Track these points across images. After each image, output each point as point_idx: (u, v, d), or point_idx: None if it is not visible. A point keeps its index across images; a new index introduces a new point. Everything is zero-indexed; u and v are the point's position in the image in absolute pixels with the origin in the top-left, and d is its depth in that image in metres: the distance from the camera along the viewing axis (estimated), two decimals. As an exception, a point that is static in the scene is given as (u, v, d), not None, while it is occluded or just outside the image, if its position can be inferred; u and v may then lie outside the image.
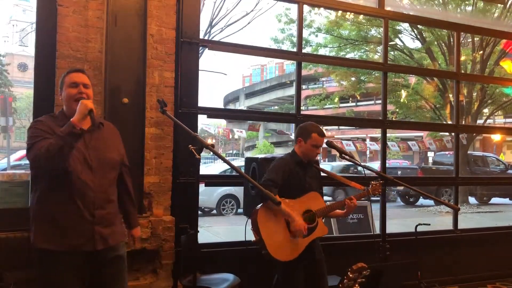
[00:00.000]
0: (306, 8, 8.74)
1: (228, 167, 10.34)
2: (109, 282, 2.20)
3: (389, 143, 13.68)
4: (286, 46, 13.91)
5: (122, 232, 2.32)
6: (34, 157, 2.03)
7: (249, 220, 2.88)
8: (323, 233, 2.97)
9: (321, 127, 3.02)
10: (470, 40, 13.16)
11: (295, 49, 4.96)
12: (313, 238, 2.90)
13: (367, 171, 3.30)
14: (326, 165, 14.92)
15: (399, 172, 15.72)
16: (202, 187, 3.98)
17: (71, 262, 2.08)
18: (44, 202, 2.11)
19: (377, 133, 15.93)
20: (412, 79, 15.38)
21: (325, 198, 3.20)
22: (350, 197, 2.98)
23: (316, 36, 13.94)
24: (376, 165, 14.12)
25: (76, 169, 2.08)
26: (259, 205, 2.80)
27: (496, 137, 20.16)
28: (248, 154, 30.92)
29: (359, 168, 3.31)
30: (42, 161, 2.00)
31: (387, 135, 4.89)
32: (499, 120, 25.72)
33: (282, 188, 2.82)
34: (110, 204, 2.21)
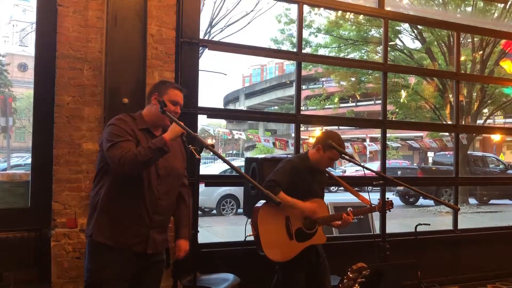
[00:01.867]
0: (306, 8, 8.75)
1: (228, 167, 10.33)
2: (147, 282, 2.29)
3: (388, 142, 13.66)
4: (286, 47, 13.91)
5: (168, 239, 2.39)
6: (118, 158, 2.04)
7: (250, 219, 2.88)
8: (321, 241, 2.95)
9: (343, 140, 2.98)
10: (470, 40, 13.15)
11: (295, 50, 4.96)
12: (309, 245, 2.87)
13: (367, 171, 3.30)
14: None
15: (399, 172, 15.73)
16: (202, 187, 3.98)
17: (122, 260, 2.15)
18: (110, 198, 2.17)
19: (377, 133, 15.93)
20: (412, 79, 15.38)
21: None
22: (348, 213, 2.95)
23: (316, 36, 13.96)
24: (376, 165, 14.14)
25: (147, 175, 2.17)
26: (263, 202, 2.80)
27: (496, 137, 20.15)
28: (248, 154, 30.92)
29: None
30: (125, 165, 2.04)
31: (387, 135, 4.89)
32: (499, 120, 25.72)
33: (288, 192, 2.79)
34: (168, 212, 2.31)
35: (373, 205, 3.08)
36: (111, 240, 2.14)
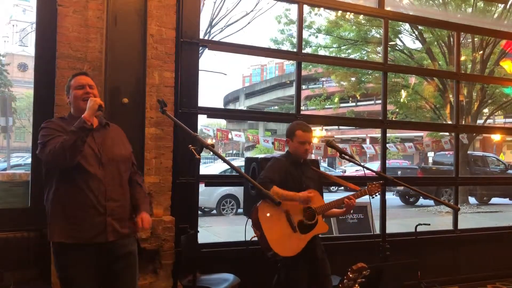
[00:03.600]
0: (306, 9, 8.75)
1: (228, 167, 10.33)
2: (120, 275, 2.29)
3: (388, 145, 13.63)
4: (286, 47, 13.90)
5: (133, 227, 2.39)
6: (48, 153, 2.13)
7: (249, 220, 2.88)
8: (323, 229, 2.98)
9: (306, 124, 3.06)
10: (470, 40, 13.15)
11: (295, 50, 4.96)
12: (314, 235, 2.91)
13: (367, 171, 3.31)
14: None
15: (399, 172, 15.72)
16: (202, 187, 3.98)
17: (85, 255, 2.18)
18: (58, 197, 2.21)
19: (377, 133, 15.92)
20: (413, 80, 15.36)
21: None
22: (349, 196, 2.99)
23: (316, 37, 13.94)
24: (376, 165, 14.13)
25: (88, 164, 2.19)
26: (259, 202, 2.81)
27: (496, 137, 20.15)
28: (248, 154, 30.89)
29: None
30: (56, 157, 2.10)
31: (387, 135, 4.89)
32: (499, 120, 25.70)
33: (281, 187, 2.82)
34: (122, 198, 2.32)
35: (362, 189, 3.10)
36: (71, 238, 2.16)
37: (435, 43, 12.98)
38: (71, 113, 2.37)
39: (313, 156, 5.65)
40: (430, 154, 23.80)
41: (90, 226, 2.18)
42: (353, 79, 15.19)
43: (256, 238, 2.83)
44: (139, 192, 2.47)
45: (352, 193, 3.12)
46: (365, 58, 14.14)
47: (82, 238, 2.16)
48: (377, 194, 3.15)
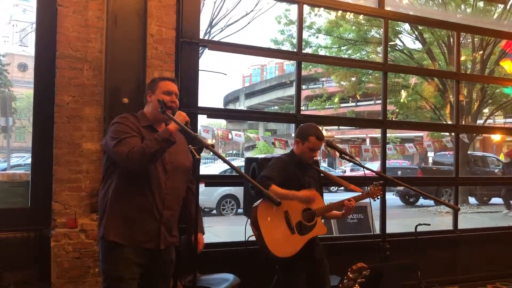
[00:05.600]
0: (306, 9, 8.75)
1: (228, 167, 10.33)
2: (157, 282, 2.29)
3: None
4: (286, 48, 13.91)
5: (178, 237, 2.40)
6: (124, 153, 2.08)
7: (249, 220, 2.88)
8: (321, 232, 2.97)
9: (321, 131, 3.02)
10: (470, 40, 13.15)
11: (295, 50, 4.96)
12: (312, 236, 2.90)
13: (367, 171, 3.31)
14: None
15: (399, 172, 15.72)
16: (202, 187, 3.97)
17: (135, 257, 2.16)
18: (119, 197, 2.18)
19: (377, 133, 15.91)
20: (413, 80, 15.37)
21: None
22: (349, 199, 2.98)
23: (317, 37, 13.95)
24: (376, 165, 14.13)
25: (154, 169, 2.18)
26: (259, 201, 2.81)
27: (496, 137, 20.15)
28: (248, 154, 30.88)
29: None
30: (133, 159, 2.07)
31: (387, 135, 4.89)
32: (499, 120, 25.70)
33: (282, 187, 2.81)
34: (177, 207, 2.31)
35: (364, 192, 3.11)
36: (124, 239, 2.15)
37: (435, 43, 12.98)
38: (144, 113, 2.34)
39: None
40: (430, 154, 23.78)
41: (144, 230, 2.17)
42: (353, 79, 15.20)
43: (254, 237, 2.83)
44: (196, 206, 2.45)
45: (353, 194, 3.12)
46: (365, 58, 14.14)
47: (135, 240, 2.16)
48: (379, 197, 3.15)
